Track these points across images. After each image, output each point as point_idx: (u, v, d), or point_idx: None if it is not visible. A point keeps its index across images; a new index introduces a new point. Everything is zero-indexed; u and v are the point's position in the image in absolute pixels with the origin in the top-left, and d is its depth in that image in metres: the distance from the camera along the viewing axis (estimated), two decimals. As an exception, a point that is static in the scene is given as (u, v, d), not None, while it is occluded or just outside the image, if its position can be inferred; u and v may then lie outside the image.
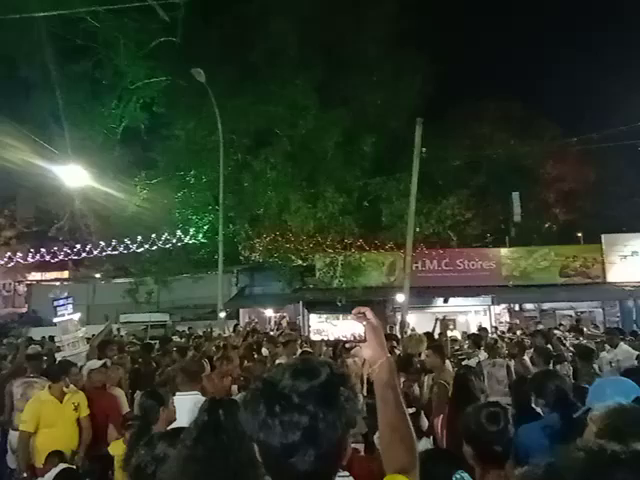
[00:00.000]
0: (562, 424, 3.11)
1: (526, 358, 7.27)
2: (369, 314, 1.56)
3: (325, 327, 1.56)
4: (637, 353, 7.57)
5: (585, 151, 20.21)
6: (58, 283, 24.49)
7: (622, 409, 2.05)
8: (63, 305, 8.33)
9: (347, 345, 6.36)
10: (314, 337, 1.61)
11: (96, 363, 5.77)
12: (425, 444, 3.59)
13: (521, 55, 27.18)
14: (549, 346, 8.38)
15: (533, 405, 3.69)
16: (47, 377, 5.35)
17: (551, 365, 6.51)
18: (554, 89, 24.30)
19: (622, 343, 8.01)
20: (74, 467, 3.65)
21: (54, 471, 3.76)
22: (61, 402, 5.03)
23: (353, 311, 1.58)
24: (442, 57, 20.45)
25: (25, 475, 4.31)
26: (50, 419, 4.90)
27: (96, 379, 5.54)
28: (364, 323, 1.55)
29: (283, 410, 1.10)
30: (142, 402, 3.86)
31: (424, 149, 14.91)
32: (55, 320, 8.24)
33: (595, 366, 7.05)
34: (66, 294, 8.62)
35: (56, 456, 4.24)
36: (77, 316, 8.57)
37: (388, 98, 20.47)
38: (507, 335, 13.45)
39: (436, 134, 18.10)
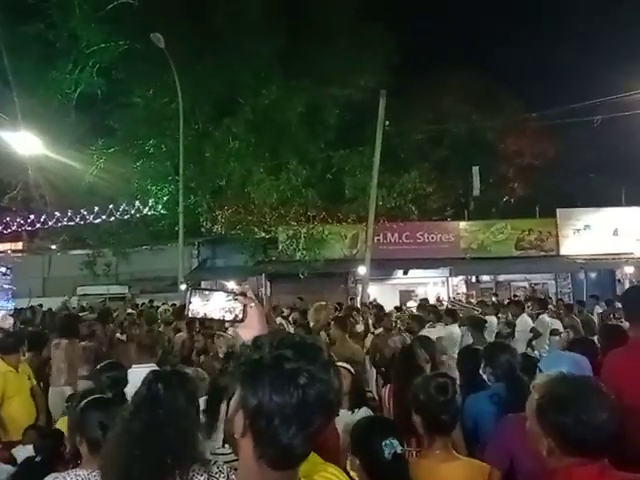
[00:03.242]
0: (508, 393, 3.28)
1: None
2: (250, 294, 1.57)
3: (233, 305, 1.55)
4: (532, 326, 8.10)
5: (544, 126, 20.56)
6: (11, 254, 23.74)
7: (563, 378, 2.13)
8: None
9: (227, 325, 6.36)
10: (195, 313, 1.59)
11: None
12: (365, 412, 3.70)
13: (484, 29, 27.13)
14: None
15: (481, 372, 3.82)
16: (3, 348, 5.22)
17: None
18: (515, 64, 24.50)
19: (524, 314, 8.55)
20: (34, 455, 3.59)
21: (27, 449, 3.68)
22: (17, 372, 5.00)
23: (236, 290, 1.57)
24: (405, 30, 20.41)
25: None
26: (12, 390, 4.86)
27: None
28: (252, 305, 1.55)
29: (309, 383, 1.13)
30: None
31: (387, 122, 14.92)
32: None
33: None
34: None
35: (33, 430, 4.12)
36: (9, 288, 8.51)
37: (352, 70, 20.34)
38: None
39: (399, 107, 18.13)
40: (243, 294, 1.56)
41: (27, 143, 14.60)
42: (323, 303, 8.73)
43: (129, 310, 12.43)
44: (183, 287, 15.29)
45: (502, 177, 24.70)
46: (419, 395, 2.66)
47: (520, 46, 24.64)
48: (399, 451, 2.21)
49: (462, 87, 23.02)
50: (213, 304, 1.54)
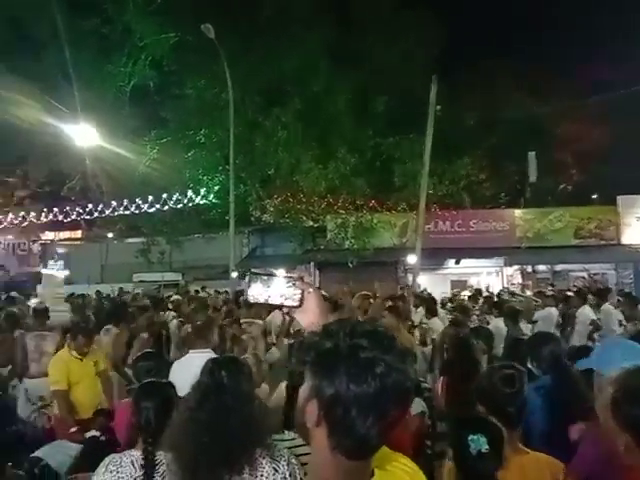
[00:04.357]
0: (554, 385, 3.22)
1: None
2: (308, 279, 1.56)
3: (292, 291, 1.54)
4: (593, 318, 7.82)
5: (603, 111, 19.74)
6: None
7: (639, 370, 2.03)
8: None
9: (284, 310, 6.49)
10: (255, 298, 1.59)
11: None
12: (418, 403, 3.66)
13: (538, 12, 26.15)
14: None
15: (529, 365, 3.76)
16: (71, 336, 5.38)
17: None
18: (572, 48, 23.59)
19: (585, 305, 8.26)
20: (98, 434, 3.75)
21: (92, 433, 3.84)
22: (82, 360, 5.16)
23: (294, 276, 1.55)
24: (457, 15, 19.95)
25: (75, 429, 4.42)
26: (76, 376, 5.05)
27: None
28: (310, 290, 1.52)
29: (386, 373, 1.11)
30: None
31: (439, 107, 14.59)
32: (42, 271, 8.66)
33: (524, 326, 7.25)
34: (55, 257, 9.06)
35: (101, 417, 4.27)
36: (63, 274, 8.89)
37: (402, 56, 20.07)
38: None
39: (451, 93, 17.72)
40: (301, 279, 1.54)
41: (85, 135, 15.19)
42: (368, 293, 8.68)
43: (176, 297, 12.66)
44: (234, 275, 15.53)
45: (559, 163, 23.86)
46: (484, 386, 2.58)
47: (577, 29, 23.67)
48: (484, 450, 2.19)
49: (517, 72, 22.31)
50: (273, 290, 1.54)
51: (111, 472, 2.24)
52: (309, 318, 1.52)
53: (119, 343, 6.22)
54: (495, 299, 10.52)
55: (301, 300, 1.52)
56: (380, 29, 20.19)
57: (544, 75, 22.38)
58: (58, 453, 3.39)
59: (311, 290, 1.54)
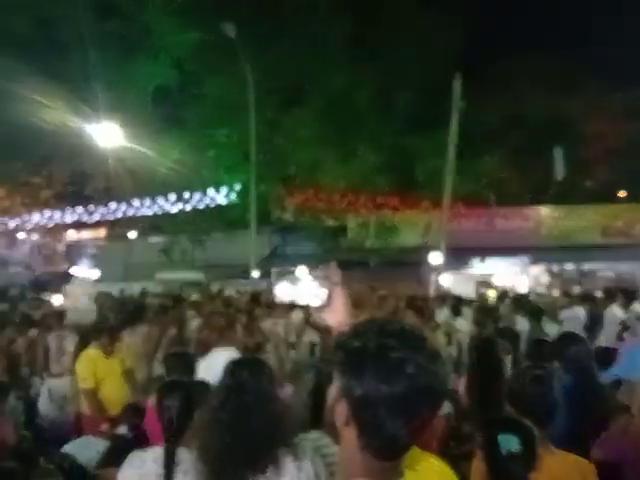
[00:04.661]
0: (576, 385, 3.27)
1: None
2: (335, 279, 1.56)
3: (319, 290, 1.52)
4: (622, 318, 7.65)
5: (632, 106, 19.37)
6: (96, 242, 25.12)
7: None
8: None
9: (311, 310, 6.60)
10: (282, 298, 1.57)
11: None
12: (444, 406, 3.62)
13: (564, 8, 25.71)
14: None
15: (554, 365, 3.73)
16: (95, 334, 5.46)
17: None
18: (599, 41, 23.10)
19: (613, 305, 8.08)
20: (125, 434, 3.77)
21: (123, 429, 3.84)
22: (108, 357, 5.25)
23: (323, 275, 1.55)
24: (480, 9, 19.70)
25: (105, 426, 4.45)
26: (102, 373, 5.15)
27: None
28: (337, 289, 1.53)
29: (416, 373, 1.11)
30: None
31: (462, 102, 14.46)
32: (71, 271, 8.79)
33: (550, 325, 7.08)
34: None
35: (130, 410, 4.22)
36: (95, 274, 9.02)
37: (424, 52, 19.87)
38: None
39: (475, 90, 17.52)
40: (328, 278, 1.53)
41: (108, 135, 15.40)
42: (386, 293, 8.66)
43: (195, 296, 12.69)
44: (255, 274, 15.57)
45: (585, 160, 23.44)
46: (514, 386, 2.55)
47: (606, 22, 23.22)
48: (513, 450, 2.14)
49: (542, 67, 21.97)
50: (300, 289, 1.53)
51: (135, 468, 2.28)
52: (336, 317, 1.52)
53: (151, 340, 6.26)
54: (521, 299, 10.35)
55: (328, 299, 1.51)
56: (402, 26, 20.05)
57: (570, 71, 22.02)
58: (86, 449, 3.42)
59: (337, 289, 1.53)
